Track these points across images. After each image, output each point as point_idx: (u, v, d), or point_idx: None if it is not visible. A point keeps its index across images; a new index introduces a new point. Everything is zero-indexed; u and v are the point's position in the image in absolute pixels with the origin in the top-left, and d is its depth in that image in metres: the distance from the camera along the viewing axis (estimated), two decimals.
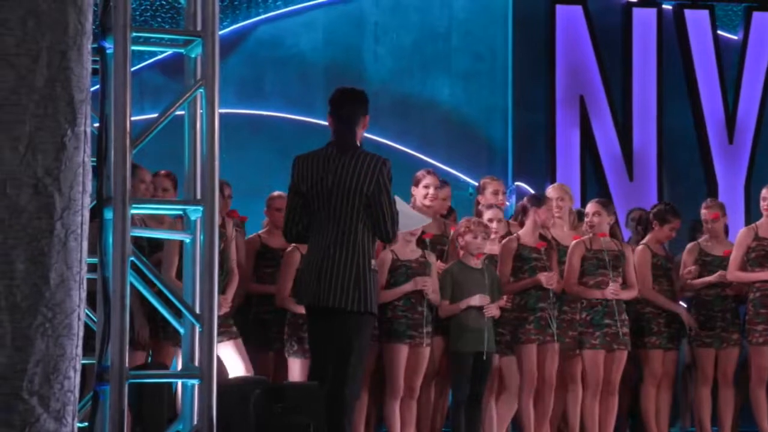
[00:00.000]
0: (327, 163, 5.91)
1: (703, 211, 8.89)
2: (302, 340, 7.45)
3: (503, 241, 8.16)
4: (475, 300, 7.75)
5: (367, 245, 5.85)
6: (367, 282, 5.83)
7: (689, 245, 8.90)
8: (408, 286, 7.59)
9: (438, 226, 8.24)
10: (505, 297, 7.91)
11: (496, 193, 8.54)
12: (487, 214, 8.16)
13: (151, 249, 7.23)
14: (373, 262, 5.90)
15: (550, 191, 8.65)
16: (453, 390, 7.88)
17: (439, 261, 8.02)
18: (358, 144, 5.99)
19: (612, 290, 8.13)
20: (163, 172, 7.74)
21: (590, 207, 8.41)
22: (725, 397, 8.73)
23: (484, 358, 7.70)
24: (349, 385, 5.79)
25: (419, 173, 8.21)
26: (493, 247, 8.12)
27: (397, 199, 6.32)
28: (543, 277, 7.98)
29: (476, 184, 10.35)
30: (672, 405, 8.94)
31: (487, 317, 7.75)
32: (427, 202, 8.09)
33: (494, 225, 8.12)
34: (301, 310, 7.37)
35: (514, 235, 8.20)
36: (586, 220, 8.38)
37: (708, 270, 8.72)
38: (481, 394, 7.87)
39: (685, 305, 8.87)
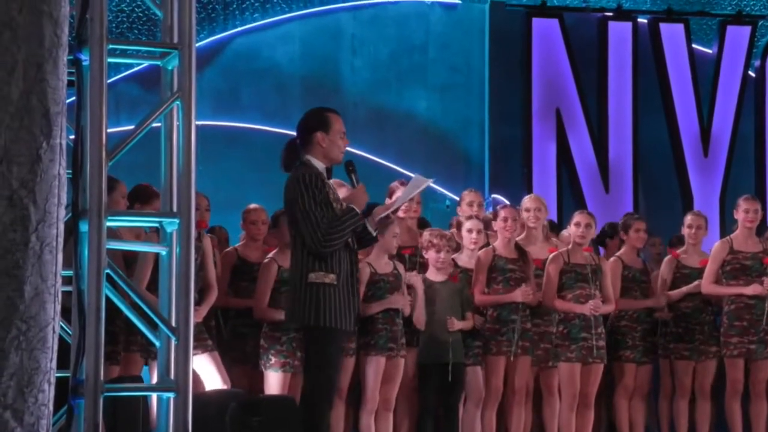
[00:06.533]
0: None
1: (688, 218, 8.89)
2: (278, 354, 7.44)
3: (478, 253, 8.17)
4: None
5: (302, 260, 6.01)
6: (301, 296, 5.98)
7: (667, 258, 8.92)
8: (383, 305, 7.58)
9: (413, 239, 8.24)
10: (469, 314, 7.92)
11: (471, 204, 8.55)
12: (467, 225, 8.19)
13: (126, 263, 7.18)
14: (315, 276, 5.97)
15: (527, 202, 8.62)
16: (420, 401, 7.88)
17: (415, 272, 8.02)
18: (308, 161, 6.06)
19: (592, 306, 8.11)
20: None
21: (582, 218, 8.29)
22: (702, 409, 8.74)
23: (450, 369, 7.73)
24: (308, 397, 6.01)
25: (393, 184, 8.23)
26: (472, 259, 8.15)
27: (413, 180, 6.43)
28: (519, 293, 7.99)
29: (453, 196, 10.37)
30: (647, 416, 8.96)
31: (455, 330, 7.78)
32: (401, 214, 8.11)
33: (473, 236, 8.14)
34: (280, 317, 7.36)
35: (490, 246, 8.21)
36: (576, 231, 8.26)
37: (686, 282, 8.74)
38: (454, 406, 7.87)
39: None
